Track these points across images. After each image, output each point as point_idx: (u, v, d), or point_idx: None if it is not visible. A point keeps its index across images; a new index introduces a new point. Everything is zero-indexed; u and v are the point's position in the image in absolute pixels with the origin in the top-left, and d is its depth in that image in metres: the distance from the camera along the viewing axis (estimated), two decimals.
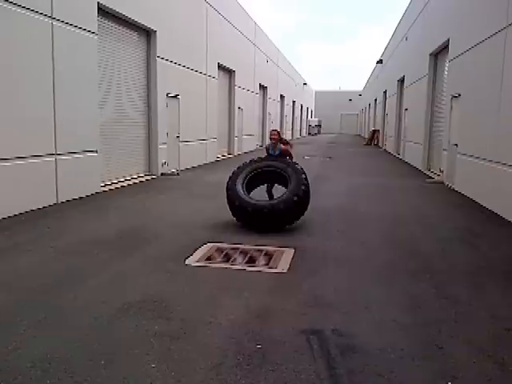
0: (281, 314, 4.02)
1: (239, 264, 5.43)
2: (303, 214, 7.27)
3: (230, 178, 7.32)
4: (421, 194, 11.34)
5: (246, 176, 7.36)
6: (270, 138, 7.92)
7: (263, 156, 7.91)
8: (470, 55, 11.37)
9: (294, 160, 7.86)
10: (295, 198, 6.79)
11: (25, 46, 7.87)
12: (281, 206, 6.73)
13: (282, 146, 7.97)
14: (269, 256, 5.77)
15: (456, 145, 11.98)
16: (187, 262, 5.43)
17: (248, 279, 4.92)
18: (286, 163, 7.41)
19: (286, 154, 7.93)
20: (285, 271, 5.21)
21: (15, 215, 7.66)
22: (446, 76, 14.75)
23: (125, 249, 5.93)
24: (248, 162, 7.61)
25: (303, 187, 6.95)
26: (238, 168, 7.48)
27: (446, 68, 14.52)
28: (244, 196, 7.00)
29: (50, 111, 8.55)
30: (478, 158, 10.21)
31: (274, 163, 7.47)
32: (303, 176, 7.12)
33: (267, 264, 5.46)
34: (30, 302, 4.16)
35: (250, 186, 7.50)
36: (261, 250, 6.01)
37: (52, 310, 3.99)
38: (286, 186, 7.26)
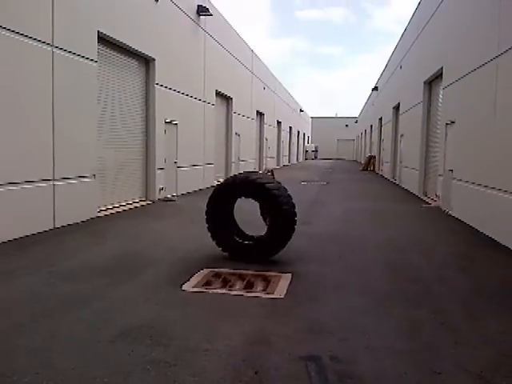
0: (278, 341, 4.00)
1: (236, 289, 5.41)
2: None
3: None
4: (417, 219, 11.39)
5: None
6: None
7: None
8: (463, 83, 11.60)
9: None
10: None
11: (25, 73, 8.00)
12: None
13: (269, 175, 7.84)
14: (266, 281, 5.76)
15: (451, 170, 12.09)
16: (184, 287, 5.41)
17: (245, 305, 4.91)
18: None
19: None
20: (282, 297, 5.21)
21: (14, 239, 7.65)
22: (440, 103, 14.99)
23: (121, 275, 5.92)
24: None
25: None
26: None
27: (441, 95, 14.78)
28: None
29: (49, 136, 8.63)
30: (473, 183, 10.31)
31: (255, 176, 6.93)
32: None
33: (264, 290, 5.46)
34: (25, 327, 4.13)
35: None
36: (258, 276, 6.00)
37: (47, 336, 3.96)
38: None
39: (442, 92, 14.12)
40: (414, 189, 17.80)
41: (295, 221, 6.68)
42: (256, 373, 3.40)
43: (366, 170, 36.17)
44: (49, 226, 8.63)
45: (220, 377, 3.33)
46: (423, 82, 16.77)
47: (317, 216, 11.42)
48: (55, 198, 8.79)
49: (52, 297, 5.00)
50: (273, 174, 8.13)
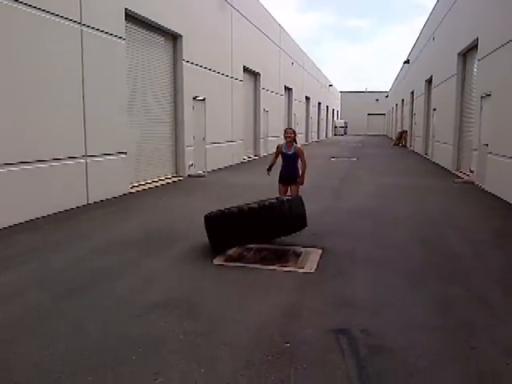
0: (309, 314, 4.00)
1: (267, 263, 5.43)
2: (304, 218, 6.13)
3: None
4: (450, 194, 11.13)
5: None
6: (285, 137, 7.34)
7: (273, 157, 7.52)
8: (499, 54, 11.13)
9: (306, 164, 7.30)
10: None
11: (56, 53, 8.09)
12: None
13: (297, 146, 7.39)
14: (297, 256, 5.76)
15: (486, 144, 11.72)
16: (215, 261, 5.46)
17: (276, 279, 4.92)
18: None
19: (299, 154, 7.25)
20: (312, 271, 5.20)
21: (48, 215, 7.86)
22: (475, 75, 14.46)
23: (153, 248, 6.02)
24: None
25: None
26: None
27: (475, 67, 14.24)
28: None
29: (80, 114, 8.75)
30: (510, 157, 9.97)
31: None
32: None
33: (295, 264, 5.46)
34: (63, 300, 4.27)
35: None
36: (288, 250, 6.00)
37: (83, 309, 4.08)
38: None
39: (477, 64, 13.59)
40: (447, 164, 17.38)
41: None
42: (287, 343, 3.43)
43: (398, 145, 35.48)
44: (82, 202, 8.82)
45: (252, 347, 3.37)
46: (457, 54, 16.19)
47: (348, 191, 11.30)
48: (87, 174, 8.96)
49: (85, 270, 5.13)
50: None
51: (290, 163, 7.30)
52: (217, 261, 5.48)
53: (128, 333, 3.61)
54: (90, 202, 9.05)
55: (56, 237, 6.61)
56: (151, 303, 4.18)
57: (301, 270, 5.24)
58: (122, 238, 6.54)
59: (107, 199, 9.57)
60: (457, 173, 15.66)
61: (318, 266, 5.38)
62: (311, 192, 10.98)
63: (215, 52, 15.92)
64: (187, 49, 13.47)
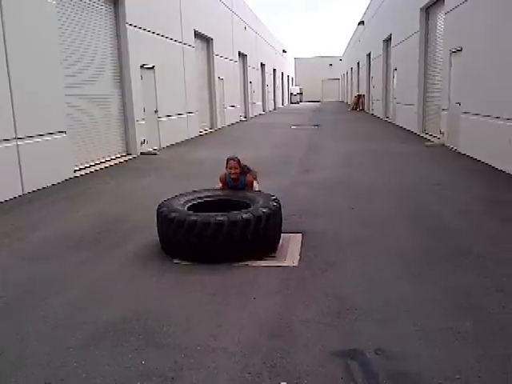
0: (301, 329, 3.12)
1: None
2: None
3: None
4: (424, 159, 10.48)
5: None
6: (229, 173, 5.32)
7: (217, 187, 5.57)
8: (468, 5, 10.38)
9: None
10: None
11: None
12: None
13: (248, 179, 5.41)
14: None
15: (459, 103, 11.08)
16: (176, 259, 4.48)
17: (253, 278, 4.01)
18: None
19: (250, 187, 5.41)
20: (295, 264, 4.32)
21: None
22: (439, 31, 13.75)
23: (102, 247, 4.96)
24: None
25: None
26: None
27: (440, 22, 13.51)
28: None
29: (6, 91, 7.39)
30: (487, 116, 9.34)
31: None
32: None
33: (273, 256, 4.55)
34: None
35: None
36: None
37: (7, 339, 3.03)
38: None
39: (444, 18, 12.83)
40: (412, 126, 16.83)
41: None
42: None
43: (355, 109, 34.94)
44: (15, 193, 7.55)
45: None
46: (419, 9, 15.41)
47: (315, 162, 10.45)
48: (20, 160, 7.67)
49: (14, 283, 4.04)
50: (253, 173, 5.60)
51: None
52: (178, 259, 4.49)
53: (63, 376, 2.61)
54: (26, 191, 7.78)
55: None
56: (97, 328, 3.18)
57: (281, 264, 4.35)
58: (63, 236, 5.41)
59: (47, 187, 8.31)
60: (424, 135, 15.11)
61: (300, 256, 4.50)
62: (276, 165, 10.09)
63: (163, 14, 14.46)
64: (131, 11, 12.00)
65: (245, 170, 5.41)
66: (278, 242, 4.82)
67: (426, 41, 15.45)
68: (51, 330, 3.20)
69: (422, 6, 15.11)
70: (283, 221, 4.92)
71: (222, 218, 4.19)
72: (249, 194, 5.08)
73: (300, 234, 5.17)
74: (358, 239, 5.00)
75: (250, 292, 3.72)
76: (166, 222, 4.40)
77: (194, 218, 4.23)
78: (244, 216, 4.24)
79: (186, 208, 4.73)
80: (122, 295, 3.74)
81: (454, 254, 4.44)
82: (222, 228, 4.16)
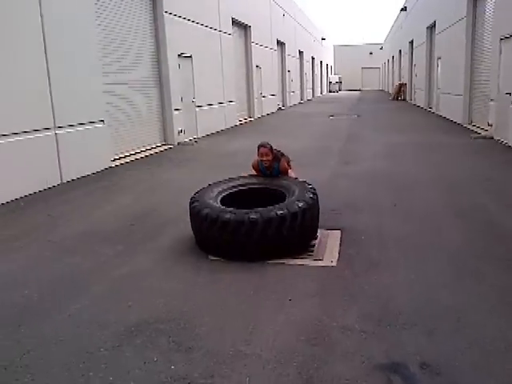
0: (340, 337, 2.92)
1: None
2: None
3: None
4: (471, 152, 9.95)
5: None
6: (261, 161, 5.13)
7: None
8: None
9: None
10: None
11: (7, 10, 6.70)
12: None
13: (282, 165, 5.19)
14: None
15: (509, 93, 10.47)
16: (211, 256, 4.34)
17: (288, 277, 3.83)
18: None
19: (285, 174, 5.22)
20: (334, 264, 4.10)
21: (12, 200, 6.69)
22: (488, 16, 13.02)
23: (136, 240, 4.89)
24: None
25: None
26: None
27: (489, 7, 12.78)
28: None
29: (44, 80, 7.43)
30: None
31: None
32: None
33: (310, 254, 4.35)
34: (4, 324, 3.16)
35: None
36: None
37: (33, 341, 2.97)
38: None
39: (494, 2, 12.12)
40: (457, 117, 16.12)
41: None
42: None
43: (397, 99, 33.93)
44: (54, 183, 7.62)
45: None
46: None
47: (356, 153, 10.12)
48: (59, 149, 7.72)
49: (44, 277, 4.00)
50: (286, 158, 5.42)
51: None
52: (212, 255, 4.35)
53: (89, 381, 2.52)
54: (65, 180, 7.85)
55: (11, 231, 5.43)
56: (125, 327, 3.08)
57: (319, 264, 4.14)
58: (97, 227, 5.38)
59: (85, 176, 8.36)
60: (470, 127, 14.43)
61: (339, 255, 4.28)
62: (315, 155, 9.84)
63: (200, 2, 14.32)
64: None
65: (278, 156, 5.20)
66: (316, 236, 4.62)
67: (474, 27, 14.69)
68: (77, 328, 3.12)
69: None
70: (321, 216, 4.71)
71: (255, 216, 4.01)
72: (284, 182, 4.91)
73: (339, 231, 4.94)
74: (402, 236, 4.73)
75: (285, 293, 3.54)
76: (199, 218, 4.26)
77: (227, 215, 4.06)
78: (279, 213, 4.06)
79: (219, 200, 4.60)
80: (154, 293, 3.63)
81: (509, 253, 4.11)
82: (256, 226, 3.99)
